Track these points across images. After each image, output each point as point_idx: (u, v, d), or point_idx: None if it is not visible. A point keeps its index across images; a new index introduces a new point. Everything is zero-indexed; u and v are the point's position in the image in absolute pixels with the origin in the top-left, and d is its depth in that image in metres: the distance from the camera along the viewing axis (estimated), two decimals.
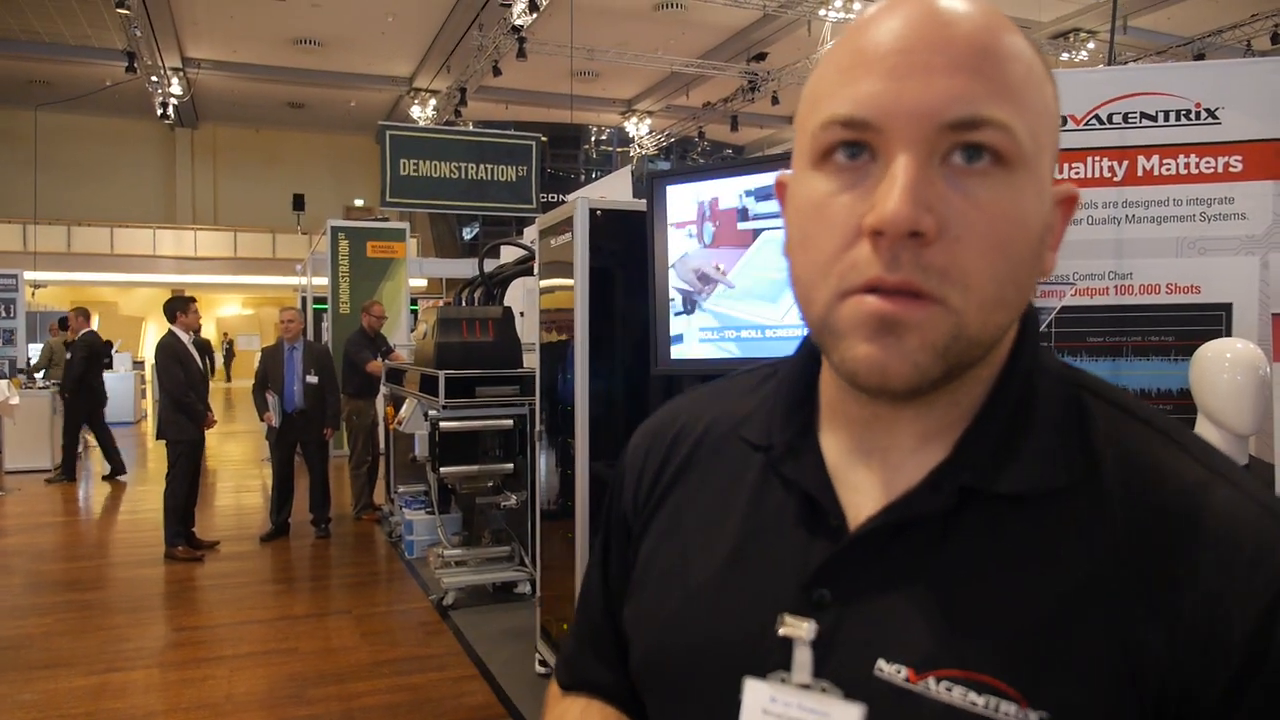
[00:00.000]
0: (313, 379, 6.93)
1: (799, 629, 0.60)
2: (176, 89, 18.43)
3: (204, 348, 16.26)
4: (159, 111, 18.74)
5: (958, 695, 0.55)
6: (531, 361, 4.53)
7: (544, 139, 11.58)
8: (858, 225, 0.55)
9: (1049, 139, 0.59)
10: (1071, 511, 0.57)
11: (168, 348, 6.41)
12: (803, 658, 0.60)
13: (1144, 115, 3.10)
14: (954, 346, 0.56)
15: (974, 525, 0.58)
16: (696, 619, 0.67)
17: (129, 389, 16.17)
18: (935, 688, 0.55)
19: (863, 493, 0.63)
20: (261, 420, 7.11)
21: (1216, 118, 3.05)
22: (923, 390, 0.57)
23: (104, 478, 10.01)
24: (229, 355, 25.83)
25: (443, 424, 5.13)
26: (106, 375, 15.92)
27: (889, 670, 0.57)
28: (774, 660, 0.61)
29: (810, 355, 0.70)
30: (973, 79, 0.55)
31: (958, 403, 0.61)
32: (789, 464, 0.66)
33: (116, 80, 17.02)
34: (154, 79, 17.35)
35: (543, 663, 4.20)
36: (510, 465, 5.34)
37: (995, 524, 0.58)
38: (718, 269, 2.86)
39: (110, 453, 9.98)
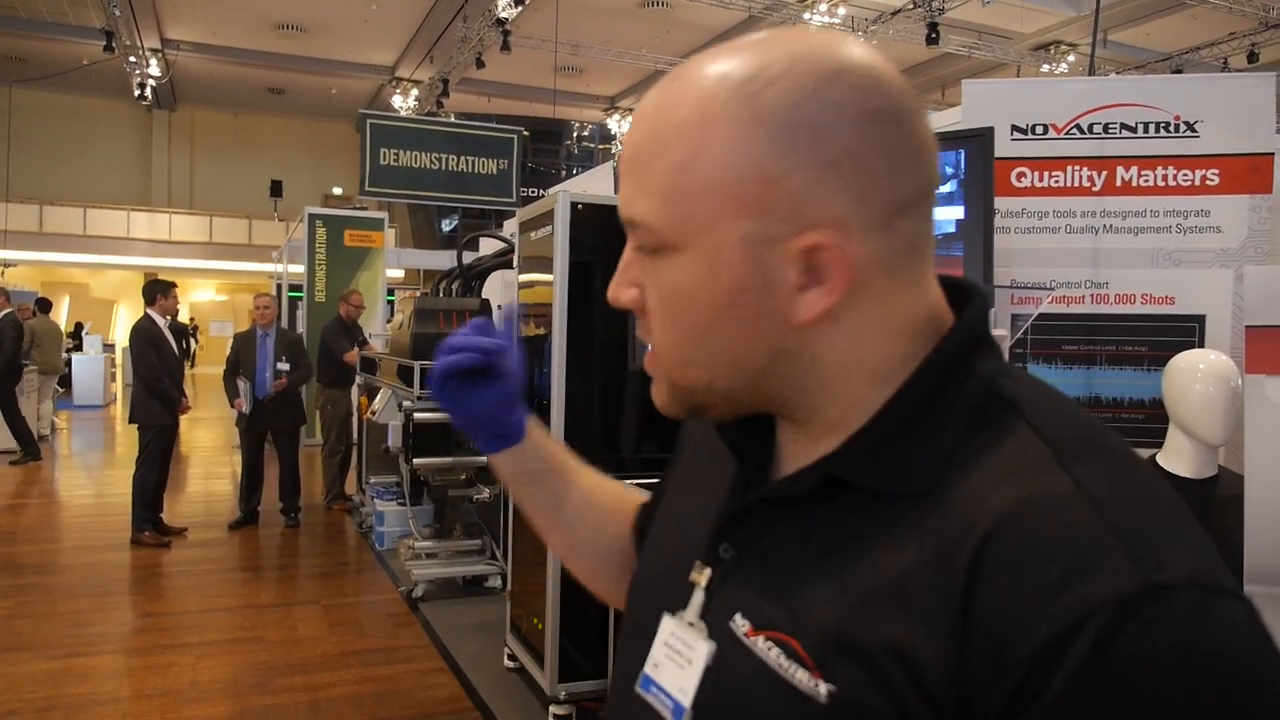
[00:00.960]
0: (284, 366, 6.87)
1: (701, 575, 0.70)
2: (155, 70, 18.19)
3: (181, 332, 16.12)
4: (136, 92, 18.49)
5: (773, 656, 0.62)
6: None
7: (526, 133, 11.53)
8: None
9: (721, 207, 0.60)
10: (916, 515, 0.59)
11: (143, 331, 6.32)
12: (696, 600, 0.70)
13: (1124, 126, 3.13)
14: (674, 391, 0.68)
15: (831, 511, 0.64)
16: (652, 559, 0.81)
17: (99, 372, 15.97)
18: (761, 645, 0.63)
19: (782, 470, 0.71)
20: (232, 406, 7.03)
21: (1195, 131, 3.09)
22: (690, 416, 0.71)
23: (11, 462, 9.67)
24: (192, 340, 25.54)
25: (416, 415, 5.10)
26: (76, 357, 15.81)
27: (739, 623, 0.65)
28: (683, 600, 0.71)
29: None
30: (629, 181, 0.65)
31: (834, 425, 0.65)
32: (747, 435, 0.74)
33: (94, 59, 16.82)
34: (132, 59, 17.14)
35: (511, 657, 4.19)
36: (484, 458, 5.30)
37: (849, 513, 0.63)
38: None
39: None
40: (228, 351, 7.03)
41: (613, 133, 22.56)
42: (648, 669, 0.72)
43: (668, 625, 0.71)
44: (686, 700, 0.67)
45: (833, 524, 0.64)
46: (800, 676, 0.59)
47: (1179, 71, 15.12)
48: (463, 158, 10.51)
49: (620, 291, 0.67)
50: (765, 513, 0.68)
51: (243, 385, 6.82)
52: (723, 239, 0.61)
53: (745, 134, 0.59)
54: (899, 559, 0.59)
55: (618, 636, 0.84)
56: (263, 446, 7.02)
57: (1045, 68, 16.13)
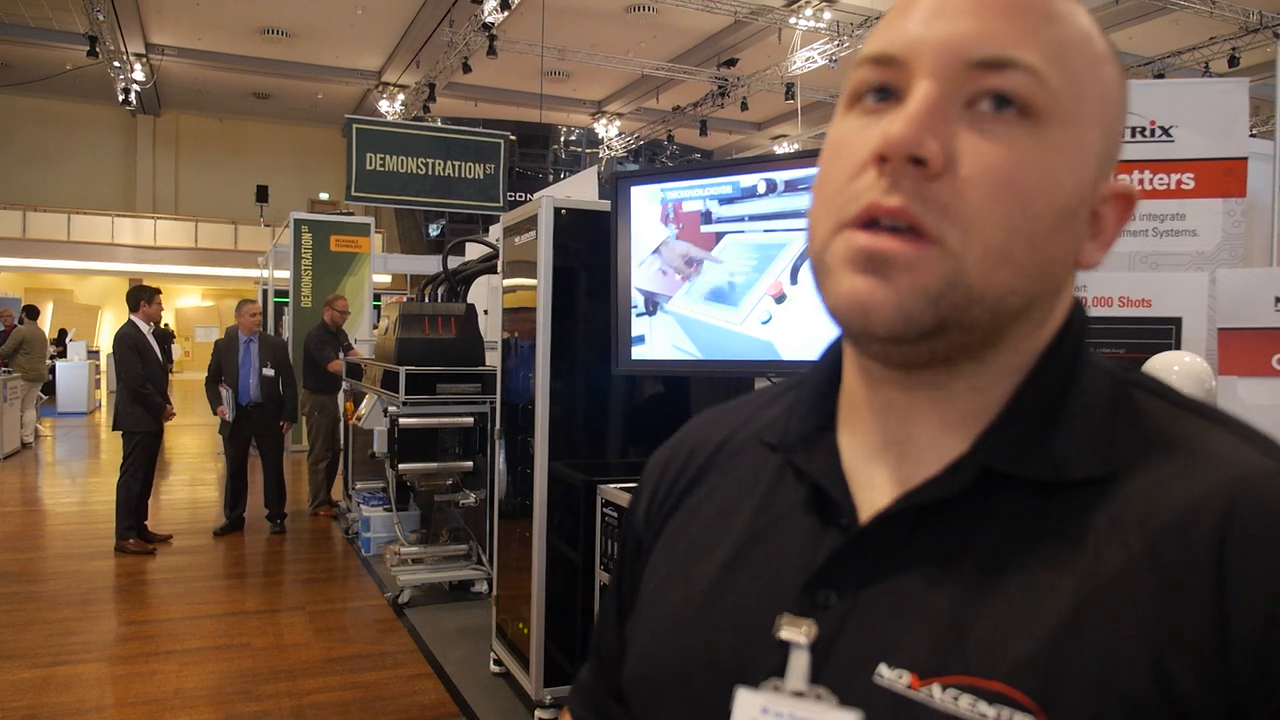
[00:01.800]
0: (269, 372, 6.83)
1: (797, 631, 0.55)
2: (139, 75, 18.12)
3: (165, 338, 16.05)
4: (121, 97, 18.41)
5: (965, 705, 0.49)
6: (494, 360, 4.52)
7: (513, 137, 11.54)
8: (868, 156, 0.53)
9: (1100, 113, 0.55)
10: (1105, 504, 0.52)
11: (126, 338, 6.30)
12: (799, 662, 0.55)
13: None
14: (948, 295, 0.51)
15: (996, 515, 0.54)
16: (692, 622, 0.63)
17: (83, 379, 15.88)
18: (940, 696, 0.50)
19: (877, 490, 0.58)
20: (215, 413, 7.00)
21: (1170, 136, 3.13)
22: (909, 340, 0.53)
23: None
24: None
25: (402, 420, 5.10)
26: (60, 364, 15.71)
27: (890, 676, 0.52)
28: (769, 666, 0.56)
29: (834, 358, 0.67)
30: (1008, 22, 0.52)
31: (981, 391, 0.57)
32: (801, 454, 0.63)
33: (78, 64, 16.74)
34: (116, 64, 17.06)
35: (497, 662, 4.19)
36: (470, 463, 5.31)
37: (1018, 514, 0.53)
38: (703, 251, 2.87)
39: None
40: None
41: (600, 137, 22.58)
42: None
43: (753, 701, 0.56)
44: None
45: (992, 530, 0.53)
46: None
47: (1161, 76, 15.25)
48: (449, 162, 10.51)
49: (923, 134, 0.50)
50: (882, 536, 0.56)
51: (225, 392, 6.77)
52: (1087, 140, 0.54)
53: (1112, 56, 0.57)
54: (1104, 557, 0.50)
55: (637, 710, 0.69)
56: (247, 453, 6.98)
57: None
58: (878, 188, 0.52)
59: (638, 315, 2.99)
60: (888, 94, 0.54)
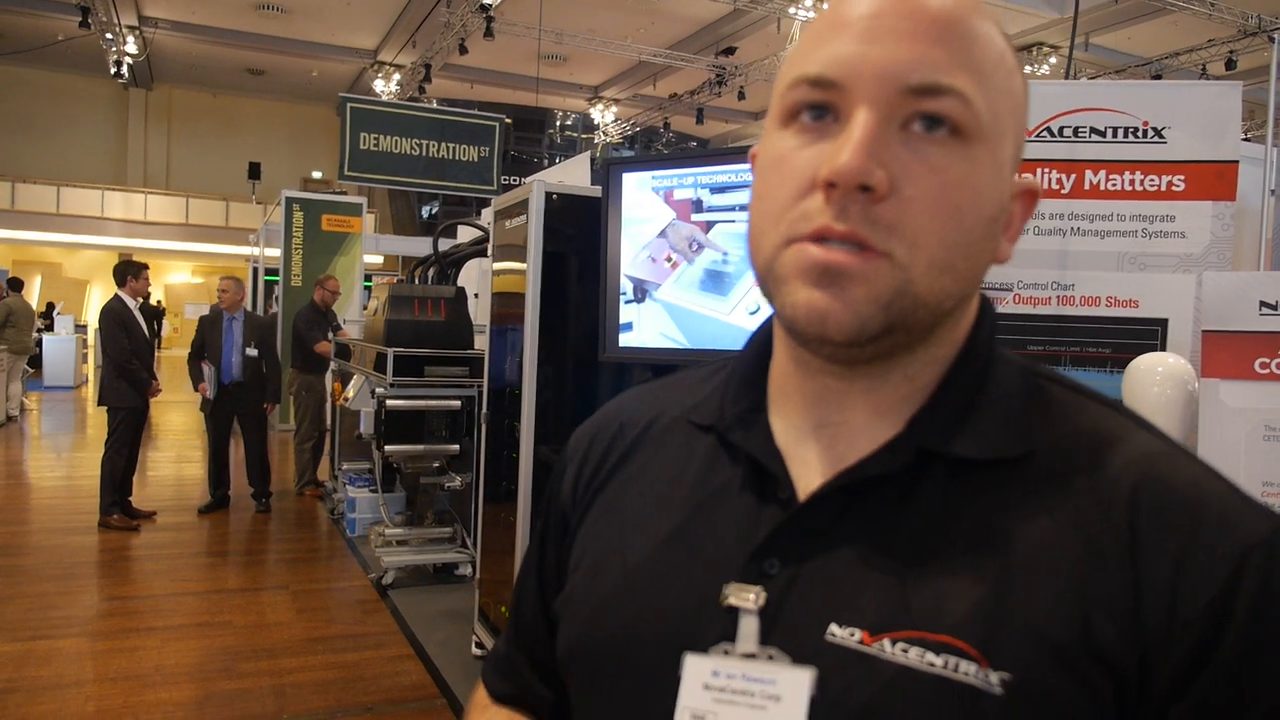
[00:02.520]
0: (252, 351, 6.77)
1: (745, 597, 0.58)
2: (132, 48, 17.97)
3: (154, 314, 15.98)
4: (113, 70, 18.26)
5: (914, 656, 0.54)
6: (482, 343, 4.51)
7: (508, 121, 11.49)
8: (813, 177, 0.56)
9: (1012, 123, 0.60)
10: (1031, 479, 0.58)
11: (112, 312, 6.27)
12: (749, 626, 0.58)
13: (1093, 130, 3.17)
14: (897, 302, 0.56)
15: (930, 488, 0.58)
16: (632, 596, 0.65)
17: (70, 353, 15.80)
18: (891, 649, 0.54)
19: (811, 467, 0.62)
20: (196, 390, 6.94)
21: (1163, 137, 3.13)
22: (860, 343, 0.57)
23: None
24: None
25: (389, 402, 5.10)
26: (47, 338, 15.62)
27: (842, 634, 0.56)
28: (716, 633, 0.59)
29: (762, 343, 0.70)
30: (939, 48, 0.56)
31: (911, 379, 0.61)
32: (738, 433, 0.66)
33: (69, 35, 16.56)
34: (109, 36, 16.91)
35: (479, 644, 4.20)
36: (456, 446, 5.31)
37: (952, 487, 0.58)
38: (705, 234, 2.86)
39: None
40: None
41: (596, 123, 22.50)
42: None
43: (702, 666, 0.58)
44: None
45: (924, 504, 0.58)
46: (966, 669, 0.53)
47: (1158, 77, 15.27)
48: (444, 144, 10.46)
49: (871, 164, 0.54)
50: (824, 509, 0.60)
51: (207, 370, 6.72)
52: (1004, 151, 0.59)
53: (1018, 66, 0.61)
54: (1032, 527, 0.56)
55: (575, 683, 0.70)
56: (229, 432, 6.93)
57: (1027, 69, 16.22)
58: (827, 213, 0.55)
59: (626, 302, 2.99)
60: (824, 113, 0.58)
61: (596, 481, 0.74)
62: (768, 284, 0.60)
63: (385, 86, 19.33)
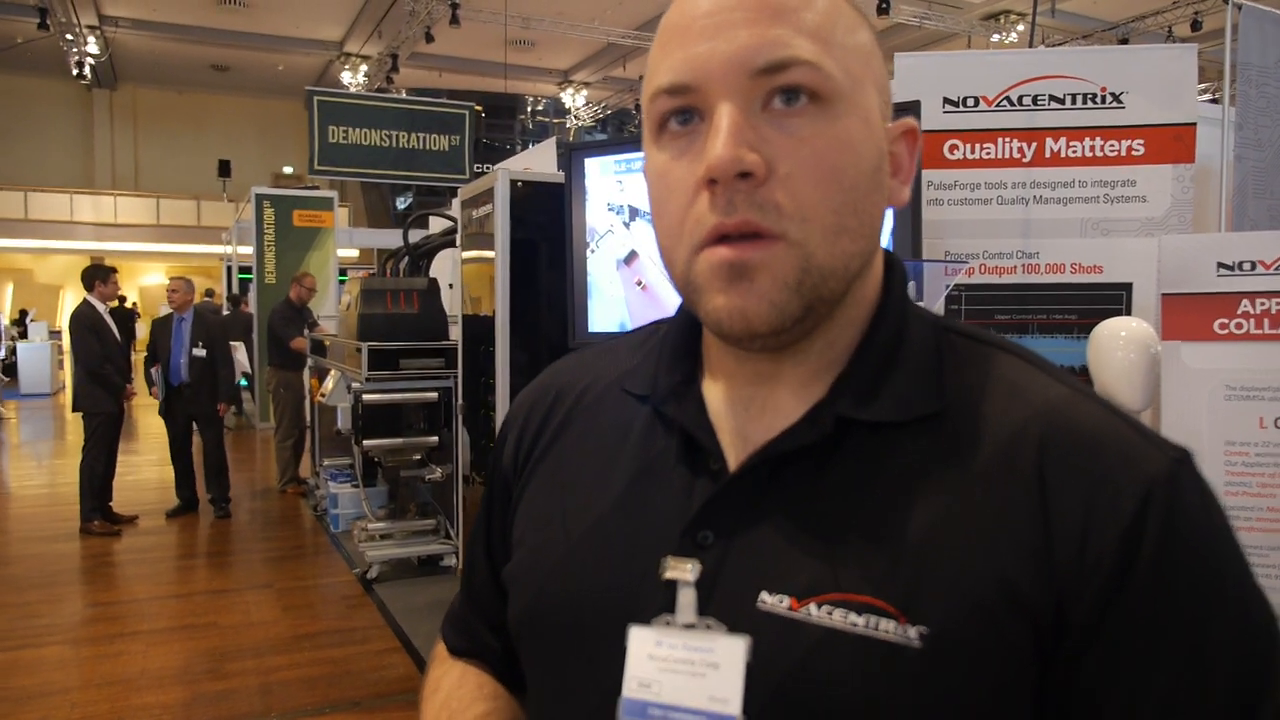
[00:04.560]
0: (200, 352, 6.61)
1: (682, 570, 0.61)
2: (93, 48, 17.69)
3: (127, 317, 15.82)
4: (75, 71, 17.98)
5: (838, 617, 0.56)
6: (457, 334, 4.50)
7: (478, 108, 11.41)
8: (695, 182, 0.58)
9: (868, 72, 0.61)
10: (941, 437, 0.60)
11: (82, 317, 6.22)
12: (686, 598, 0.60)
13: (1052, 98, 3.18)
14: (806, 280, 0.58)
15: (849, 455, 0.61)
16: (577, 568, 0.67)
17: (45, 360, 15.63)
18: (816, 613, 0.57)
19: (743, 438, 0.64)
20: (150, 394, 6.84)
21: (1120, 102, 3.15)
22: (787, 328, 0.59)
23: None
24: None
25: (366, 397, 5.08)
26: (21, 345, 15.45)
27: (771, 601, 0.58)
28: (658, 604, 0.61)
29: (690, 312, 0.71)
30: (776, 25, 0.57)
31: (831, 344, 0.64)
32: (671, 405, 0.68)
33: (29, 37, 16.30)
34: (69, 37, 16.65)
35: None
36: (435, 438, 5.30)
37: (869, 453, 0.61)
38: None
39: None
40: None
41: (566, 107, 22.37)
42: (633, 693, 0.60)
43: (647, 636, 0.61)
44: (732, 708, 0.57)
45: (848, 468, 0.61)
46: (886, 627, 0.55)
47: (1125, 41, 15.29)
48: (414, 134, 10.37)
49: (741, 151, 0.56)
50: (751, 481, 0.62)
51: (155, 372, 6.62)
52: (868, 101, 0.61)
53: (862, 19, 0.63)
54: (946, 483, 0.58)
55: (526, 651, 0.73)
56: (188, 434, 6.82)
57: (995, 37, 16.24)
58: (716, 210, 0.57)
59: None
60: (689, 117, 0.60)
61: (537, 450, 0.76)
62: (689, 295, 0.62)
63: (353, 78, 19.13)
